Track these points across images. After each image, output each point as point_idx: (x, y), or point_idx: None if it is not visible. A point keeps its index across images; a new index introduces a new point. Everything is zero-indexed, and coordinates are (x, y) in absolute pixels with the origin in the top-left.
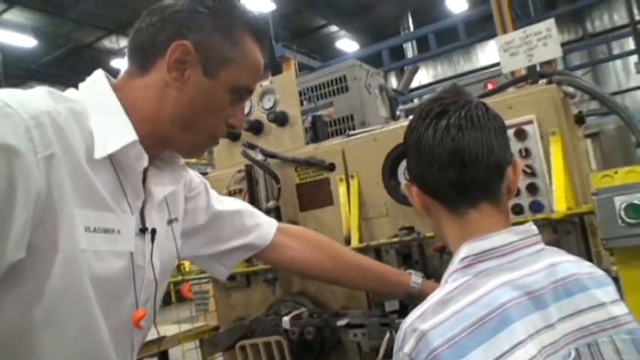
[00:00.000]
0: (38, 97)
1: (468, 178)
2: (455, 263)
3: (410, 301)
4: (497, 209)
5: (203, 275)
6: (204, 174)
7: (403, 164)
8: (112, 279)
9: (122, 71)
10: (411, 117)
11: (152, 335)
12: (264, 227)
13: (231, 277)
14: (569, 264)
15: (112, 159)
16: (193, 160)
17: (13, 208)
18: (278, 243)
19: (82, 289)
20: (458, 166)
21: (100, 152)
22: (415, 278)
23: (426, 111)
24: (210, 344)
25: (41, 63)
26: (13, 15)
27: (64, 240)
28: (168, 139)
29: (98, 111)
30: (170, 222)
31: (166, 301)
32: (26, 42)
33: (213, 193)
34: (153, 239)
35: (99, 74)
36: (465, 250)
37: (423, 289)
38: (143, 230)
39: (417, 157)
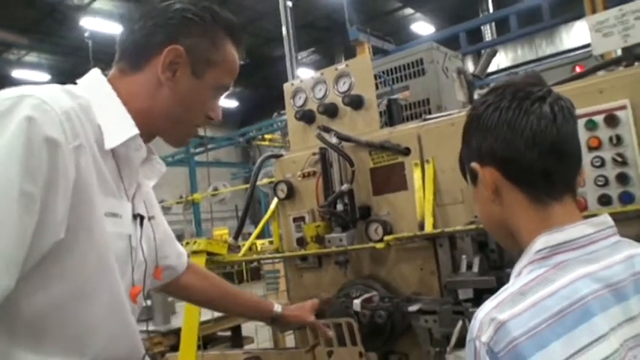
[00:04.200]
0: (60, 94)
1: (563, 168)
2: (530, 254)
3: (272, 323)
4: (575, 204)
5: (276, 255)
6: (278, 156)
7: None
8: (118, 258)
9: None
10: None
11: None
12: (184, 257)
13: (304, 258)
14: None
15: (112, 150)
16: (266, 143)
17: (56, 194)
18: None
19: (111, 264)
20: (559, 154)
21: (109, 144)
22: (276, 308)
23: (521, 95)
24: None
25: None
26: (101, 4)
27: (95, 222)
28: (159, 131)
29: (102, 107)
30: (149, 219)
31: (240, 279)
32: (112, 28)
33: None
34: (141, 224)
35: (98, 73)
36: (541, 242)
37: (283, 313)
38: (135, 216)
39: (509, 139)
